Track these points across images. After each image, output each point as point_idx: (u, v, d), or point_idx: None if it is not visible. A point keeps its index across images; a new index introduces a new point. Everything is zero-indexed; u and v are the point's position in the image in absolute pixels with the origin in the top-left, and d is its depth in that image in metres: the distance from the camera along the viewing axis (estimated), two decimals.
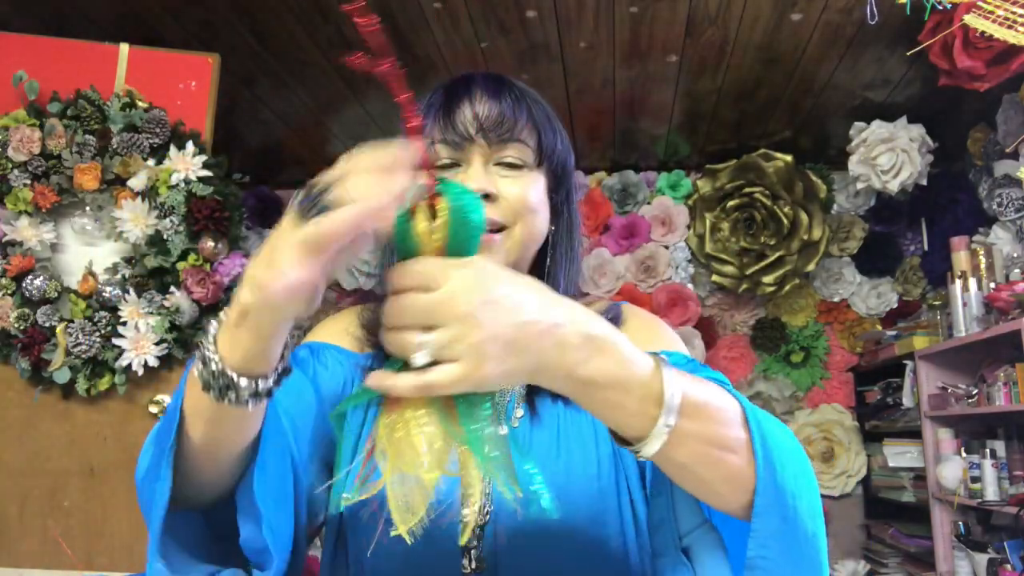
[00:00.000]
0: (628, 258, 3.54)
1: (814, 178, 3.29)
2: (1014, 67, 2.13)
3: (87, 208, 2.10)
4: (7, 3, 2.27)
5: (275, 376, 0.58)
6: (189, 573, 0.64)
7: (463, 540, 0.56)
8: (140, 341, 1.99)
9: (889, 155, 2.85)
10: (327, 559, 0.81)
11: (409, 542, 0.55)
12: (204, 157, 2.08)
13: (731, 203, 3.34)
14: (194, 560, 0.64)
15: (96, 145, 2.06)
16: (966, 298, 2.64)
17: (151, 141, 2.07)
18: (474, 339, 0.50)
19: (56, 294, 2.01)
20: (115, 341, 1.99)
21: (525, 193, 0.80)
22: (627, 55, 2.59)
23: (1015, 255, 2.66)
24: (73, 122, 2.07)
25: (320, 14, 2.31)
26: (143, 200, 2.04)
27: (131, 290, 2.00)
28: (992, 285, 2.56)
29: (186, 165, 2.05)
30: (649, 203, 3.57)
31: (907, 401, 3.02)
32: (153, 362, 1.99)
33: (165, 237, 2.03)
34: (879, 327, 3.44)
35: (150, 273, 2.04)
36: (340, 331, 0.85)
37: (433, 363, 0.51)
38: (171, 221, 2.03)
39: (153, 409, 2.02)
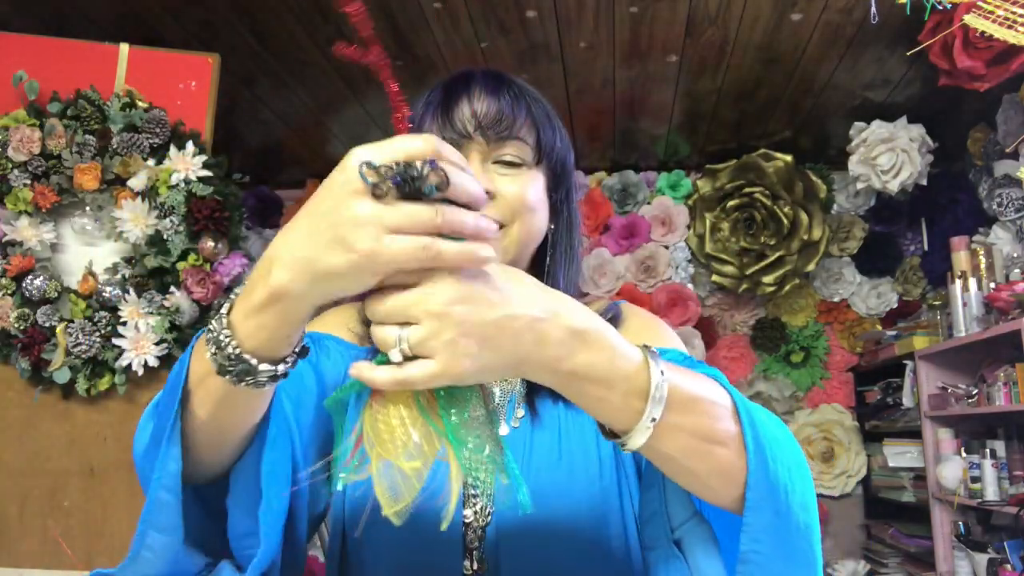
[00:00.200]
0: (628, 258, 3.54)
1: (814, 178, 3.29)
2: (1014, 67, 2.13)
3: (87, 208, 2.10)
4: (7, 3, 2.27)
5: (293, 358, 0.57)
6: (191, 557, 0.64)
7: (444, 526, 0.56)
8: (140, 341, 1.99)
9: (889, 155, 2.85)
10: (330, 559, 0.81)
11: (397, 523, 0.55)
12: (204, 157, 2.08)
13: (731, 203, 3.34)
14: (192, 541, 0.64)
15: (96, 145, 2.06)
16: (966, 298, 2.64)
17: (151, 141, 2.07)
18: (448, 336, 0.49)
19: (56, 294, 2.01)
20: (115, 341, 1.99)
21: (523, 192, 0.80)
22: (627, 55, 2.59)
23: (1015, 255, 2.66)
24: (73, 122, 2.07)
25: (320, 14, 2.31)
26: (143, 200, 2.04)
27: (131, 290, 2.00)
28: (992, 285, 2.56)
29: (186, 165, 2.05)
30: (649, 203, 3.57)
31: (907, 401, 3.02)
32: (153, 362, 1.99)
33: (165, 237, 2.03)
34: (879, 327, 3.44)
35: (150, 273, 2.04)
36: (339, 325, 0.85)
37: (414, 357, 0.50)
38: (171, 221, 2.03)
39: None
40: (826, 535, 3.33)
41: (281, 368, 0.56)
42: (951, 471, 2.66)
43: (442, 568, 0.75)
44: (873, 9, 1.90)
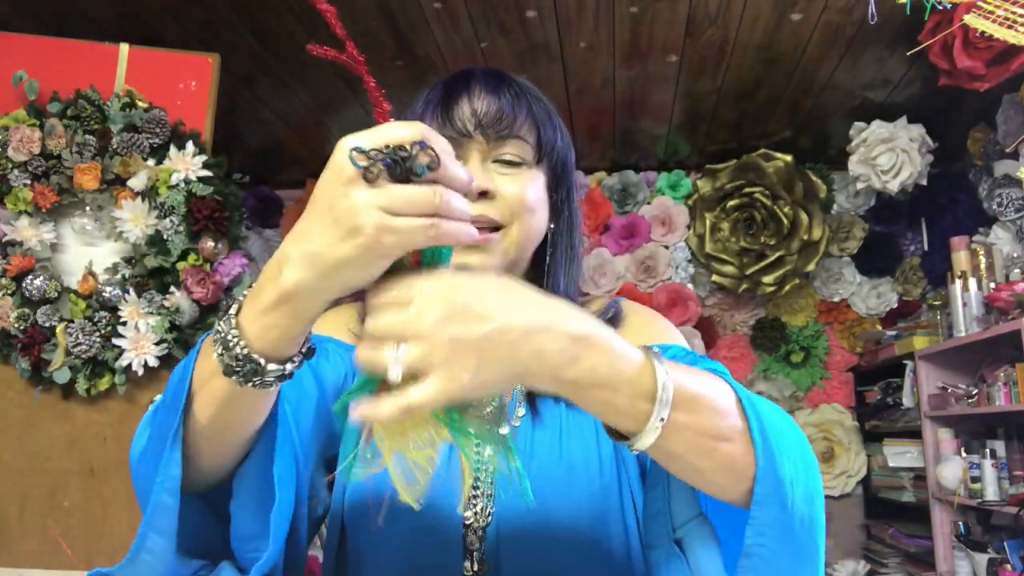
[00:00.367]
0: (628, 258, 3.54)
1: (814, 178, 3.29)
2: (1014, 67, 2.13)
3: (87, 208, 2.10)
4: (7, 3, 2.27)
5: (300, 358, 0.57)
6: (187, 563, 0.64)
7: (461, 508, 0.56)
8: (140, 341, 1.99)
9: (889, 155, 2.85)
10: (329, 559, 0.81)
11: (416, 507, 0.56)
12: (204, 157, 2.08)
13: (731, 203, 3.34)
14: (186, 552, 0.64)
15: (96, 145, 2.06)
16: (966, 298, 2.64)
17: (151, 141, 2.07)
18: (442, 355, 0.49)
19: (56, 294, 2.01)
20: (115, 341, 1.99)
21: (523, 192, 0.79)
22: (627, 55, 2.59)
23: (1015, 255, 2.66)
24: (73, 122, 2.07)
25: (320, 14, 2.31)
26: (143, 200, 2.04)
27: (131, 290, 2.00)
28: (992, 285, 2.56)
29: (186, 165, 2.05)
30: (649, 203, 3.57)
31: (907, 401, 3.02)
32: (153, 362, 1.99)
33: (165, 237, 2.03)
34: (879, 327, 3.44)
35: (150, 273, 2.04)
36: (339, 326, 0.85)
37: (413, 377, 0.50)
38: (171, 221, 2.03)
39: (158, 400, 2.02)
40: (826, 535, 3.32)
41: (288, 368, 0.56)
42: (951, 471, 2.66)
43: (442, 569, 0.75)
44: (872, 9, 1.90)
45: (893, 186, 2.88)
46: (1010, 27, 1.78)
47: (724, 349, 3.55)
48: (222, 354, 0.55)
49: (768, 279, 3.30)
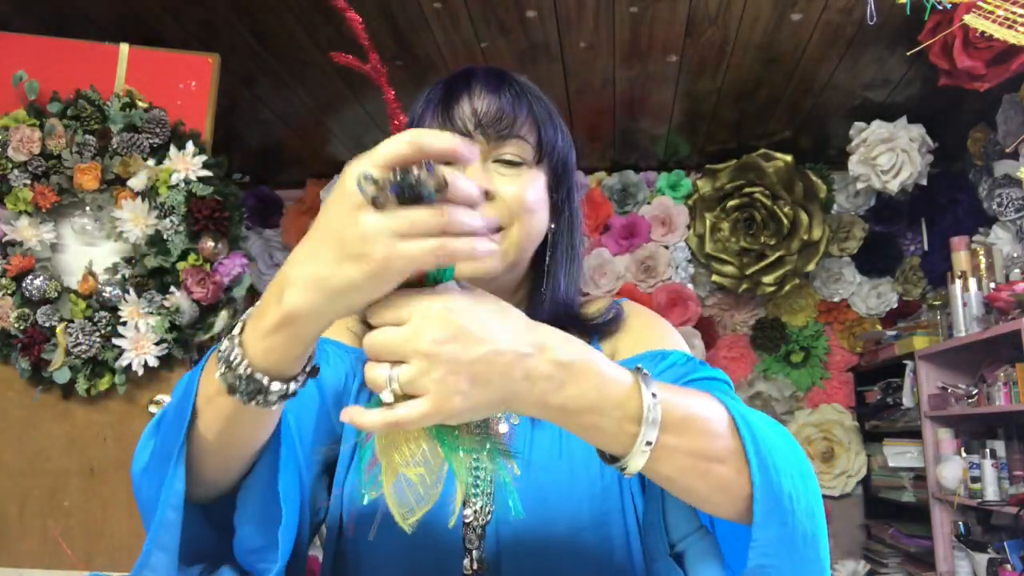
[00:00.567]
0: (628, 258, 3.54)
1: (814, 178, 3.29)
2: (1014, 67, 2.13)
3: (87, 208, 2.10)
4: (7, 3, 2.27)
5: (304, 377, 0.58)
6: (186, 572, 0.64)
7: (451, 523, 0.57)
8: (140, 341, 1.99)
9: (889, 155, 2.85)
10: (328, 559, 0.81)
11: (408, 532, 0.56)
12: (204, 157, 2.08)
13: (731, 203, 3.34)
14: (186, 559, 0.64)
15: (96, 145, 2.06)
16: (966, 298, 2.64)
17: (151, 141, 2.07)
18: (437, 375, 0.50)
19: (56, 294, 2.01)
20: (115, 341, 1.99)
21: (523, 193, 0.78)
22: (627, 55, 2.59)
23: (1015, 255, 2.66)
24: (73, 122, 2.07)
25: (320, 14, 2.31)
26: (143, 200, 2.04)
27: (131, 290, 2.00)
28: (992, 285, 2.56)
29: (186, 165, 2.05)
30: (649, 203, 3.57)
31: (907, 401, 3.02)
32: (153, 362, 1.99)
33: (165, 237, 2.03)
34: (879, 327, 3.44)
35: (150, 273, 2.04)
36: (339, 327, 0.84)
37: (406, 396, 0.51)
38: (171, 221, 2.03)
39: (153, 409, 2.02)
40: (827, 534, 3.32)
41: (292, 387, 0.56)
42: (951, 471, 2.66)
43: (442, 568, 0.74)
44: (871, 10, 1.90)
45: (893, 186, 2.88)
46: (1010, 27, 1.78)
47: (724, 349, 3.55)
48: (225, 373, 0.55)
49: (768, 279, 3.30)
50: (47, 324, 2.00)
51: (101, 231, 2.09)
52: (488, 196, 0.77)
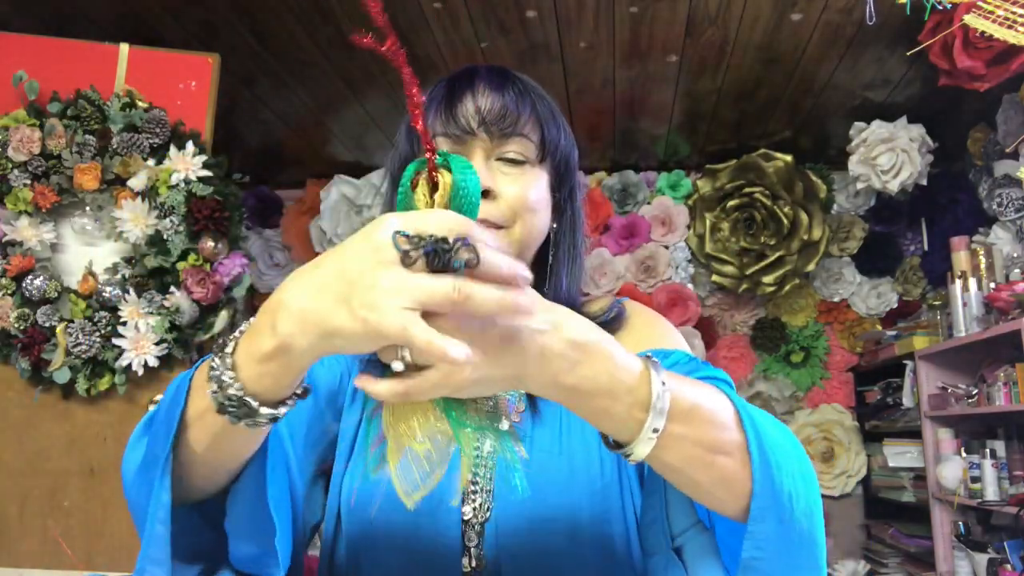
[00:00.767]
0: (628, 258, 3.54)
1: (814, 178, 3.29)
2: (1014, 67, 2.13)
3: (87, 208, 2.10)
4: (7, 3, 2.27)
5: (294, 400, 0.57)
6: (185, 570, 0.64)
7: (455, 501, 0.56)
8: (140, 341, 1.99)
9: (889, 155, 2.85)
10: (326, 557, 0.81)
11: (410, 508, 0.56)
12: (204, 157, 2.08)
13: (731, 203, 3.34)
14: (184, 557, 0.64)
15: (96, 145, 2.06)
16: (966, 298, 2.64)
17: (151, 141, 2.07)
18: None
19: (56, 294, 2.01)
20: (115, 341, 1.99)
21: (525, 192, 0.78)
22: (627, 55, 2.59)
23: (1015, 255, 2.66)
24: (73, 122, 2.07)
25: (320, 14, 2.31)
26: (143, 200, 2.04)
27: (131, 290, 2.00)
28: (992, 285, 2.56)
29: (186, 165, 2.05)
30: (649, 203, 3.57)
31: (907, 401, 3.02)
32: (153, 362, 1.99)
33: (165, 237, 2.03)
34: (879, 327, 3.44)
35: (150, 273, 2.04)
36: None
37: (417, 367, 0.50)
38: (171, 221, 2.03)
39: (152, 408, 2.02)
40: (826, 535, 3.32)
41: (282, 411, 0.56)
42: (951, 471, 2.66)
43: (440, 566, 0.74)
44: (871, 10, 1.90)
45: (893, 186, 2.88)
46: (1010, 27, 1.78)
47: (724, 349, 3.55)
48: (216, 392, 0.55)
49: (768, 279, 3.30)
50: (47, 324, 2.00)
51: (101, 231, 2.09)
52: (490, 195, 0.77)
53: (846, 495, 3.43)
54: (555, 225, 0.85)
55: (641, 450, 0.56)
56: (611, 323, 0.85)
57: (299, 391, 0.57)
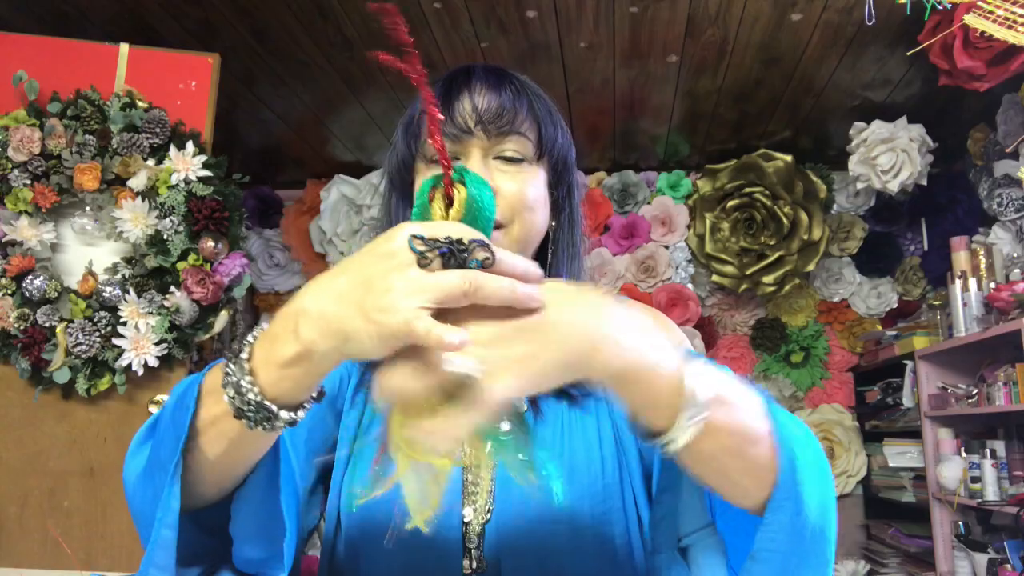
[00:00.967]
0: (628, 258, 3.54)
1: (814, 178, 3.29)
2: (1014, 67, 2.13)
3: (87, 208, 2.10)
4: (7, 3, 2.27)
5: (311, 403, 0.58)
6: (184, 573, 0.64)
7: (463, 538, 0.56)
8: (140, 341, 1.99)
9: (889, 155, 2.85)
10: (326, 558, 0.81)
11: (425, 531, 0.56)
12: (204, 157, 2.08)
13: (731, 203, 3.34)
14: (181, 561, 0.64)
15: (96, 145, 2.06)
16: (966, 298, 2.64)
17: (151, 141, 2.07)
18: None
19: (56, 294, 2.01)
20: (115, 341, 1.99)
21: (523, 190, 0.78)
22: (627, 55, 2.59)
23: (1015, 255, 2.66)
24: (73, 122, 2.07)
25: (320, 14, 2.31)
26: (143, 200, 2.04)
27: (131, 290, 2.00)
28: (992, 285, 2.56)
29: (186, 165, 2.05)
30: (649, 203, 3.57)
31: (907, 401, 3.02)
32: (153, 362, 1.99)
33: (165, 237, 2.03)
34: (879, 327, 3.44)
35: (150, 273, 2.04)
36: None
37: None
38: (171, 221, 2.03)
39: (153, 409, 2.02)
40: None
41: (300, 414, 0.56)
42: (951, 471, 2.66)
43: (441, 568, 0.74)
44: (870, 10, 1.90)
45: (893, 186, 2.88)
46: (1010, 27, 1.78)
47: (724, 349, 3.55)
48: (234, 398, 0.55)
49: (768, 279, 3.30)
50: (47, 324, 2.00)
51: (101, 231, 2.09)
52: None
53: (846, 495, 3.43)
54: (553, 223, 0.85)
55: (683, 438, 0.56)
56: None
57: (314, 395, 0.58)
